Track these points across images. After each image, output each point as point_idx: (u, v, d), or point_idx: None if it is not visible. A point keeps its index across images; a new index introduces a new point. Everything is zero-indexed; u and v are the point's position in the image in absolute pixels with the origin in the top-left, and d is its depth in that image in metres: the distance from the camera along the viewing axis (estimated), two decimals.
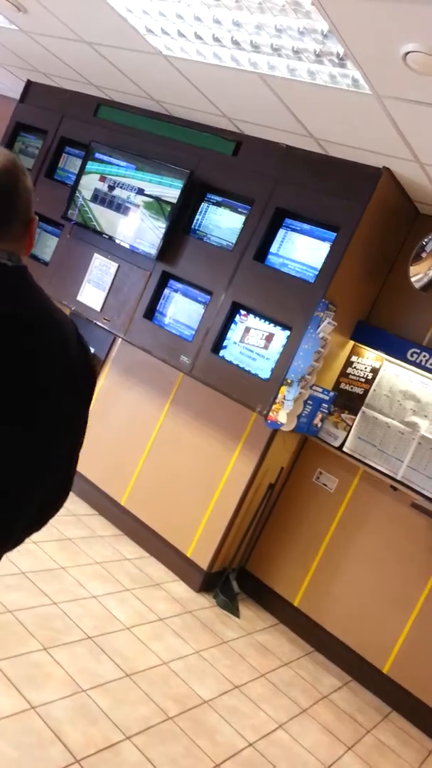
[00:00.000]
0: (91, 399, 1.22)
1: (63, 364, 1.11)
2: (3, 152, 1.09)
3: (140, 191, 3.95)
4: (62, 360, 1.11)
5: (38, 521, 1.23)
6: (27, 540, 1.23)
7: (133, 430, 4.16)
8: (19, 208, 1.09)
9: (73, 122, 4.53)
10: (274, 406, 3.32)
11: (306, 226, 3.52)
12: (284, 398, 3.35)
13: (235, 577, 3.78)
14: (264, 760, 2.53)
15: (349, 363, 3.71)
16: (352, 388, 3.67)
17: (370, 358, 3.64)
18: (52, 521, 1.26)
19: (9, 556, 1.72)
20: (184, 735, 2.46)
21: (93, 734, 2.26)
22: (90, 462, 4.05)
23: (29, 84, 4.86)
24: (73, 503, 4.10)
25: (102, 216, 4.10)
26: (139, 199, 3.95)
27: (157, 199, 3.87)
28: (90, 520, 4.01)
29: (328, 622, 3.62)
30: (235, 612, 3.61)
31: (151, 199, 3.90)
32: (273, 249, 3.59)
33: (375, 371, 3.61)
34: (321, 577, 3.68)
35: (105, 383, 4.35)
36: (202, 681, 2.86)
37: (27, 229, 1.13)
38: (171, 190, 3.81)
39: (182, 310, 3.84)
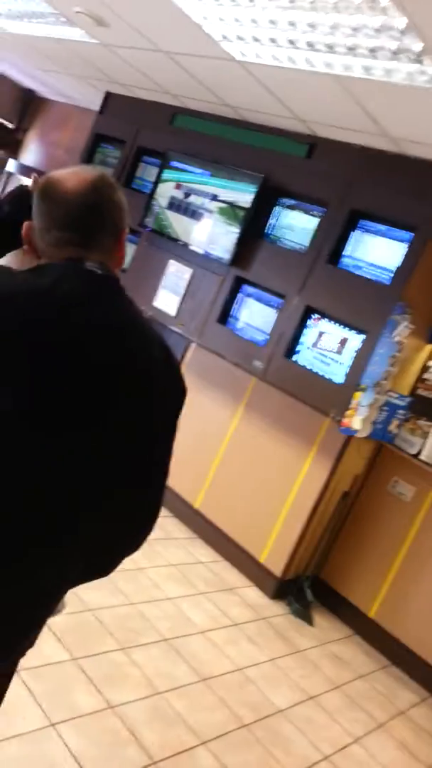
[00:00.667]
0: (178, 408, 1.20)
1: (143, 373, 1.12)
2: (94, 170, 1.15)
3: (214, 197, 3.98)
4: (143, 368, 1.12)
5: (128, 539, 1.23)
6: None
7: (206, 434, 4.18)
8: (107, 222, 1.13)
9: (149, 132, 4.62)
10: (347, 412, 3.26)
11: (381, 227, 3.43)
12: (359, 404, 3.28)
13: (309, 586, 3.73)
14: None
15: (426, 368, 3.58)
16: (430, 394, 3.54)
17: None
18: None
19: None
20: (259, 744, 2.45)
21: (169, 737, 2.28)
22: None
23: (108, 96, 4.99)
24: None
25: (177, 223, 4.16)
26: (213, 205, 3.98)
27: (231, 204, 3.88)
28: (165, 522, 4.07)
29: (405, 636, 3.50)
30: (309, 621, 3.56)
31: (225, 205, 3.92)
32: (347, 251, 3.53)
33: None
34: (398, 588, 3.57)
35: None
36: (276, 689, 2.84)
37: (117, 241, 1.16)
38: (245, 195, 3.81)
39: (255, 315, 3.83)
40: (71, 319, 1.02)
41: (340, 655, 3.38)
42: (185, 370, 4.39)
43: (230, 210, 3.88)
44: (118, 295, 1.14)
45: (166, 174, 4.26)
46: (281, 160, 3.81)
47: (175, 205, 4.19)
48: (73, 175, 1.13)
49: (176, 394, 1.21)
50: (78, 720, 2.18)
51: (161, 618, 3.01)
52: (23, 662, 1.34)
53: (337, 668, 3.24)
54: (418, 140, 3.05)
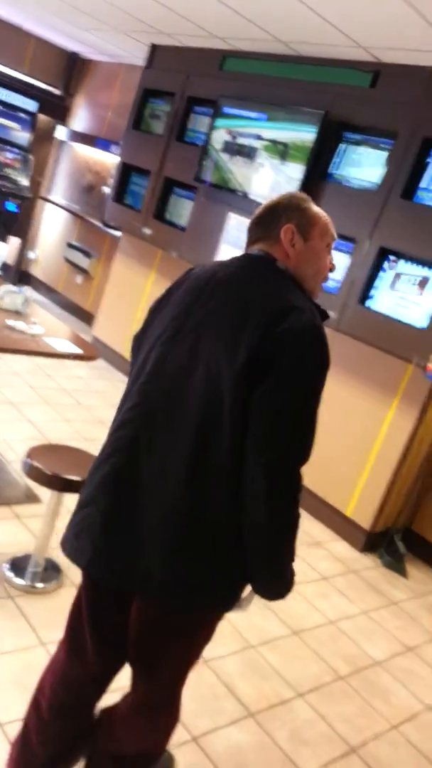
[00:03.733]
0: (287, 375, 1.28)
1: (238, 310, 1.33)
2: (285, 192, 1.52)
3: (273, 141, 3.80)
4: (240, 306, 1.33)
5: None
6: None
7: None
8: (266, 222, 1.44)
9: (199, 80, 4.45)
10: None
11: None
12: None
13: (401, 538, 3.61)
14: None
15: None
16: None
17: None
18: None
19: None
20: (357, 695, 2.41)
21: (265, 690, 2.28)
22: None
23: (154, 48, 4.83)
24: None
25: (236, 173, 4.01)
26: (272, 149, 3.80)
27: (291, 146, 3.70)
28: None
29: None
30: (403, 573, 3.46)
31: (284, 147, 3.73)
32: (423, 184, 3.29)
33: None
34: None
35: None
36: (372, 642, 2.78)
37: (277, 234, 1.40)
38: (305, 135, 3.61)
39: None
40: (215, 275, 1.40)
41: None
42: None
43: (290, 152, 3.70)
44: (261, 266, 1.39)
45: (219, 122, 4.10)
46: (343, 93, 3.58)
47: (231, 154, 4.03)
48: None
49: (281, 359, 1.29)
50: None
51: None
52: None
53: None
54: None
